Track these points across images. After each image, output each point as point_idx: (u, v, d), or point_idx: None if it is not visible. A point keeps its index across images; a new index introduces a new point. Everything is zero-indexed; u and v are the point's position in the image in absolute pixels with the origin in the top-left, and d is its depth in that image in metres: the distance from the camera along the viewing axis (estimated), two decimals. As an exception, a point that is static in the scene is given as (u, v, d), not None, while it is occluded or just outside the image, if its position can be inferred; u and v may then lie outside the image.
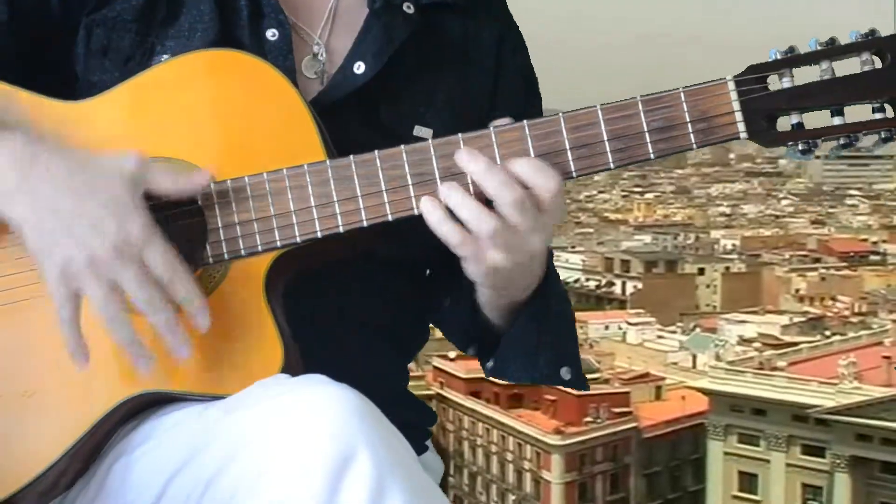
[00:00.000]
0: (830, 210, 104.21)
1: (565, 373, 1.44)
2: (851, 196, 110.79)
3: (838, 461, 35.64)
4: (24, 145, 1.24)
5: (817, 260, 73.79)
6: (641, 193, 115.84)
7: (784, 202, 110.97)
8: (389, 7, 1.46)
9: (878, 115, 1.29)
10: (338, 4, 1.49)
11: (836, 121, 1.30)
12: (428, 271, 1.56)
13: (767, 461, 38.50)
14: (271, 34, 1.42)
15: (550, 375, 1.44)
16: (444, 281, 1.49)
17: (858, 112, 1.31)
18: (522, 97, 1.58)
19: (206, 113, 1.33)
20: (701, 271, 70.00)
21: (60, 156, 1.24)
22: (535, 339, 1.41)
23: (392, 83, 1.45)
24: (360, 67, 1.43)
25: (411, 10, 1.47)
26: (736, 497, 39.72)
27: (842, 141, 1.30)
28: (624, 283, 67.46)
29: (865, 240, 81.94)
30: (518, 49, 1.60)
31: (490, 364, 1.46)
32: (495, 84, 1.54)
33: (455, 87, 1.50)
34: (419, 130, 1.45)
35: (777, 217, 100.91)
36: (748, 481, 39.46)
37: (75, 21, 1.41)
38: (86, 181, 1.22)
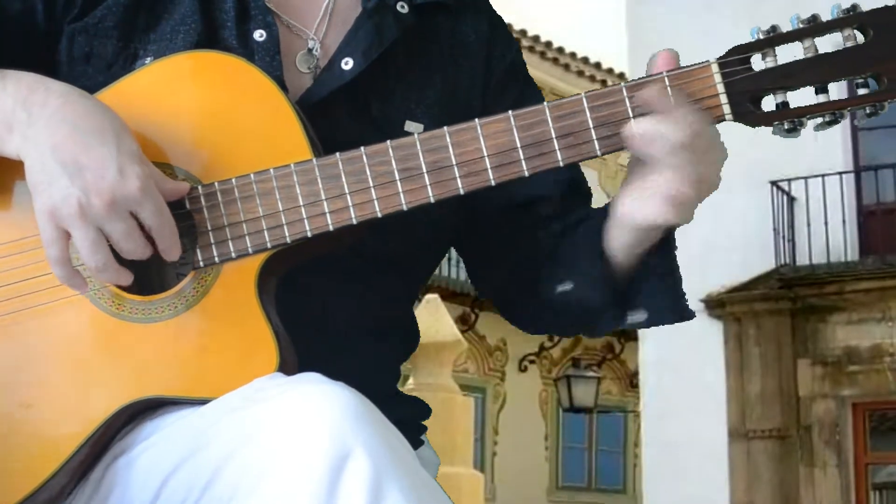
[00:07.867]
0: None
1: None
2: None
3: None
4: (35, 82, 1.26)
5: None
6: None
7: None
8: (382, 6, 1.46)
9: (862, 91, 1.29)
10: (334, 3, 1.49)
11: (821, 98, 1.29)
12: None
13: None
14: (259, 35, 1.41)
15: (686, 311, 1.40)
16: (564, 267, 1.45)
17: (842, 87, 1.31)
18: (516, 93, 1.56)
19: (189, 115, 1.32)
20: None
21: (70, 97, 1.25)
22: (678, 273, 1.39)
23: (382, 80, 1.45)
24: (347, 63, 1.42)
25: (405, 10, 1.47)
26: None
27: (827, 118, 1.30)
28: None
29: None
30: (507, 47, 1.59)
31: (640, 314, 1.40)
32: (485, 83, 1.53)
33: (446, 84, 1.50)
34: (410, 126, 1.45)
35: None
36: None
37: (58, 29, 1.40)
38: (95, 126, 1.22)
